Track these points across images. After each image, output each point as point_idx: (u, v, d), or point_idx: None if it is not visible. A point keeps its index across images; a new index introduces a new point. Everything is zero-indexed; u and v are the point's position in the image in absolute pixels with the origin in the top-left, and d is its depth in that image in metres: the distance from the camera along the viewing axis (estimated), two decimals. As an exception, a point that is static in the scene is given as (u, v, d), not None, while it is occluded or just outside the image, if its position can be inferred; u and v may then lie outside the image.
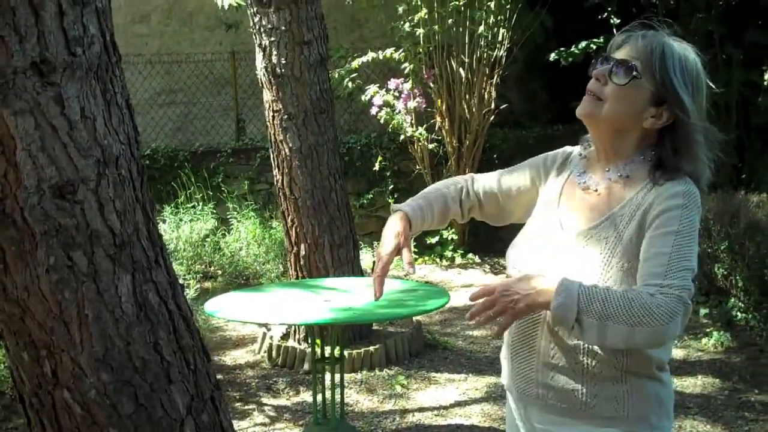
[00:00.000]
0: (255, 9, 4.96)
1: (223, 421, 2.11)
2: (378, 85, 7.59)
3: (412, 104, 7.54)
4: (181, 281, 5.08)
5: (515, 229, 1.92)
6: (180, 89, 9.60)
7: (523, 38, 7.78)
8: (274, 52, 4.93)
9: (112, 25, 1.92)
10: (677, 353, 4.98)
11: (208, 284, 6.93)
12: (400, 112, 7.56)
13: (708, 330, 5.36)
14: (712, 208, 5.66)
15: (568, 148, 1.92)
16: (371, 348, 5.00)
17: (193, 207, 7.54)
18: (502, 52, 7.57)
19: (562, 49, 7.61)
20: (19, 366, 1.92)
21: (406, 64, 7.52)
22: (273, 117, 5.05)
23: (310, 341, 3.98)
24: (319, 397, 3.63)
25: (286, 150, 5.03)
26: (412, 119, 7.64)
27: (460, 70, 7.61)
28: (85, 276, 1.82)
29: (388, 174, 8.29)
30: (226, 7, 6.39)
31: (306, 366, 4.91)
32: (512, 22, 7.50)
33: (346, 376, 4.48)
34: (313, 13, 4.95)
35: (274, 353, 5.15)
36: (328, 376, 3.62)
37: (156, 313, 1.95)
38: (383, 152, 8.28)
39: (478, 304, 1.63)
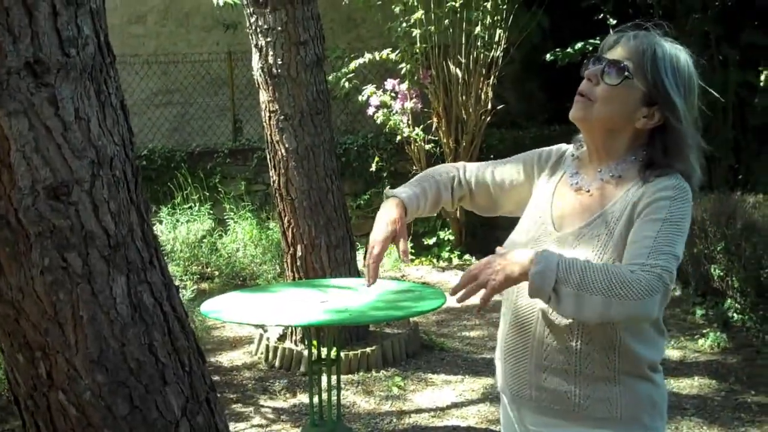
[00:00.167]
0: (251, 9, 4.95)
1: (218, 422, 2.11)
2: (375, 85, 7.59)
3: (408, 105, 7.55)
4: (177, 282, 5.08)
5: (513, 229, 1.91)
6: (177, 90, 9.59)
7: (519, 39, 7.79)
8: (271, 53, 4.92)
9: (107, 26, 1.92)
10: (673, 354, 4.98)
11: (205, 285, 6.92)
12: (396, 112, 7.56)
13: (704, 331, 5.36)
14: (708, 209, 5.66)
15: (563, 146, 1.92)
16: (368, 349, 4.99)
17: (190, 208, 7.54)
18: (498, 52, 7.57)
19: (558, 49, 7.62)
20: (14, 368, 1.92)
21: (403, 65, 7.52)
22: (269, 118, 5.04)
23: (306, 343, 3.97)
24: (316, 398, 3.63)
25: (283, 151, 5.02)
26: (408, 120, 7.64)
27: (457, 70, 7.61)
28: (79, 277, 1.82)
29: (384, 175, 8.28)
30: (221, 4, 6.38)
31: (303, 367, 4.91)
32: (509, 22, 7.50)
33: (343, 378, 4.48)
34: (309, 14, 4.94)
35: (270, 355, 5.14)
36: (324, 377, 3.61)
37: (151, 315, 1.95)
38: (380, 153, 8.29)
39: (460, 280, 1.63)
